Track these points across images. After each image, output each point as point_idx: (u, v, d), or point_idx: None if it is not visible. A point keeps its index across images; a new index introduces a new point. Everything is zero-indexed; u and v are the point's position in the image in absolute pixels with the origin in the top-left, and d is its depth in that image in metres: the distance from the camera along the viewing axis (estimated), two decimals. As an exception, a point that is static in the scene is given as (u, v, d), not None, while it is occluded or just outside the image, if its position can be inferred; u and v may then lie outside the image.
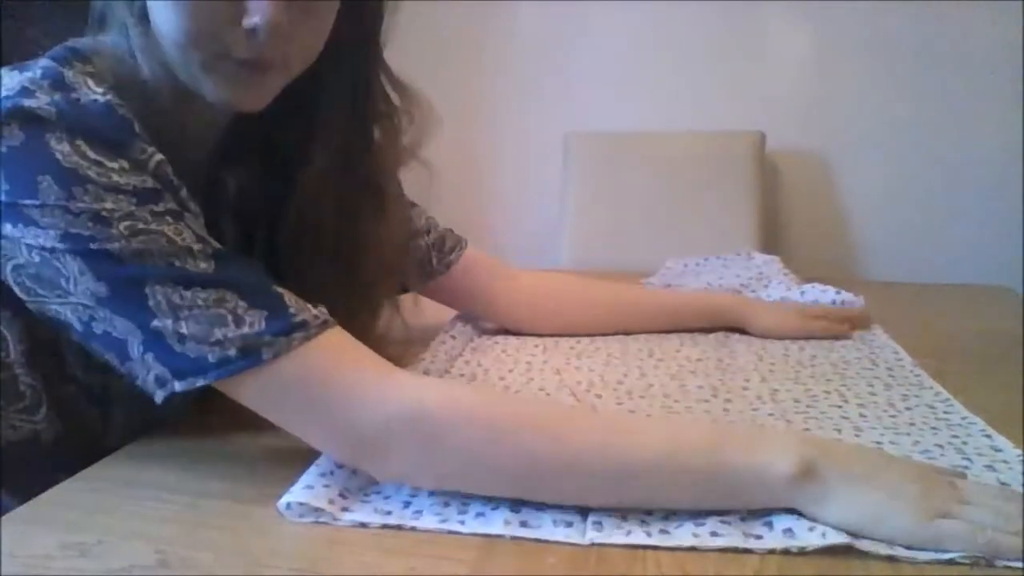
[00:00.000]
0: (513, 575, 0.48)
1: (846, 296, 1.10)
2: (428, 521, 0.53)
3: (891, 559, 0.49)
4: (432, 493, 0.57)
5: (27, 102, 0.55)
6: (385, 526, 0.53)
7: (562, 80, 2.05)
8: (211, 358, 0.55)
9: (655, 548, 0.51)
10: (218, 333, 0.55)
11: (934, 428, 0.70)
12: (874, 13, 1.87)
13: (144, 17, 0.61)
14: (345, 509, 0.54)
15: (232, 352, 0.55)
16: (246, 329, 0.55)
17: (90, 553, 0.50)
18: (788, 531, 0.51)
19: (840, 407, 0.75)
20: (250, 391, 0.57)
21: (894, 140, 1.93)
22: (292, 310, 0.57)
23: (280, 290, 0.58)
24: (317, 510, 0.54)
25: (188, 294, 0.55)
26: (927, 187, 1.92)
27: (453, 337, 0.96)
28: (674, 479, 0.54)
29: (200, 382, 0.55)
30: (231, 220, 0.71)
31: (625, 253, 1.72)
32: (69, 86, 0.57)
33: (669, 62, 2.00)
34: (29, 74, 0.57)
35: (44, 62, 0.59)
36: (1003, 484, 0.59)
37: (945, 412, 0.74)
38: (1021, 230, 1.84)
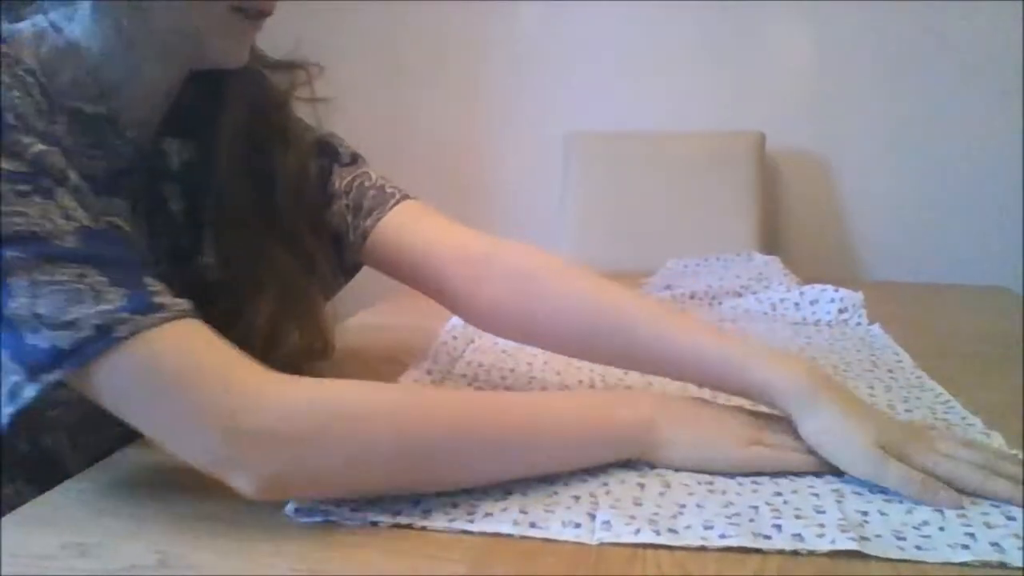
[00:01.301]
0: (513, 575, 0.48)
1: (844, 294, 1.11)
2: (437, 520, 0.53)
3: (892, 560, 0.49)
4: (441, 493, 0.57)
5: None
6: (396, 526, 0.53)
7: (562, 80, 2.05)
8: (65, 343, 0.50)
9: (661, 548, 0.50)
10: (74, 312, 0.51)
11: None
12: (874, 13, 1.87)
13: None
14: (355, 509, 0.54)
15: (86, 333, 0.50)
16: (103, 306, 0.51)
17: (90, 553, 0.50)
18: (797, 535, 0.51)
19: (840, 407, 0.75)
20: (104, 378, 0.51)
21: (894, 140, 1.93)
22: (153, 289, 0.53)
23: (149, 276, 0.55)
24: (326, 511, 0.54)
25: (50, 269, 0.51)
26: (927, 187, 1.92)
27: (455, 337, 0.96)
28: (540, 444, 0.59)
29: (54, 376, 0.50)
30: (179, 193, 0.71)
31: (625, 253, 1.72)
32: None
33: (669, 62, 2.00)
34: None
35: None
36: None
37: (945, 413, 0.74)
38: (1021, 230, 1.84)
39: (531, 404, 0.63)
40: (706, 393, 0.70)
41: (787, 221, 2.01)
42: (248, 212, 0.71)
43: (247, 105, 0.72)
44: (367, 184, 0.79)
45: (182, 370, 0.52)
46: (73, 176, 0.57)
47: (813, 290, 1.13)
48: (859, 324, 1.07)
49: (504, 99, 2.10)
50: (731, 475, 0.60)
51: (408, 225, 0.78)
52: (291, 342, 0.72)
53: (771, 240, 1.89)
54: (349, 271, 0.82)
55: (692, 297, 1.18)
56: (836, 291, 1.11)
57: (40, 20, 0.63)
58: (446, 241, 0.77)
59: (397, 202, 0.79)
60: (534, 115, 2.08)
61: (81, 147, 0.63)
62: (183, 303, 0.54)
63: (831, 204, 1.99)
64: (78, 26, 0.63)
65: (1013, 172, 1.85)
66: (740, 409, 0.66)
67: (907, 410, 0.75)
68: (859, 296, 1.11)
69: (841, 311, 1.10)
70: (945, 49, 1.86)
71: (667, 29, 1.99)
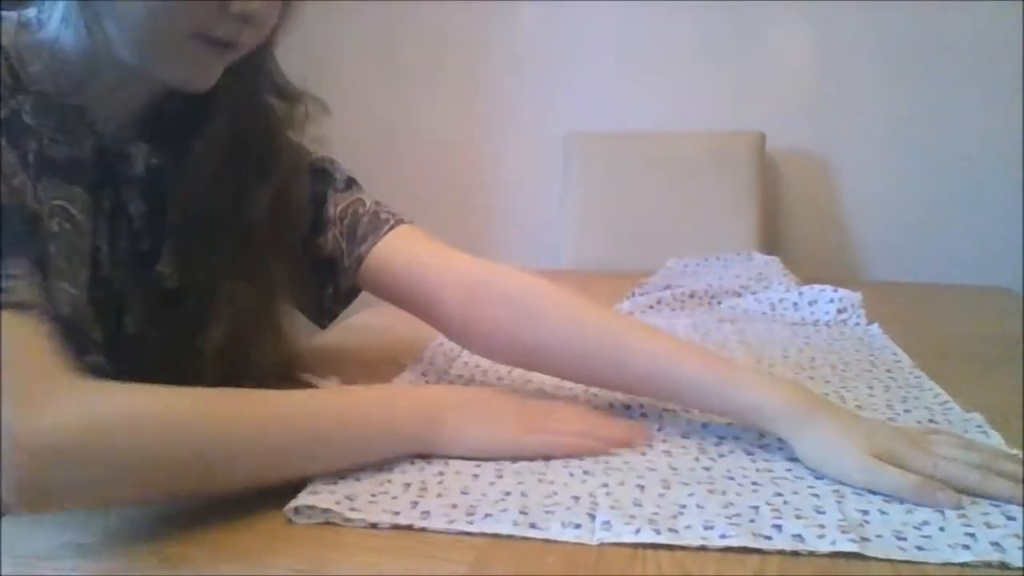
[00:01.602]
0: (513, 575, 0.48)
1: (843, 294, 1.11)
2: (437, 521, 0.53)
3: (892, 560, 0.49)
4: (440, 494, 0.57)
5: None
6: (395, 526, 0.53)
7: (562, 80, 2.05)
8: None
9: (661, 548, 0.50)
10: None
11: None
12: (874, 13, 1.87)
13: None
14: (353, 510, 0.54)
15: None
16: None
17: (90, 553, 0.50)
18: (798, 536, 0.51)
19: (840, 408, 0.75)
20: None
21: (894, 140, 1.93)
22: (9, 273, 0.52)
23: (22, 261, 0.54)
24: (326, 511, 0.54)
25: None
26: (927, 187, 1.92)
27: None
28: (323, 440, 0.59)
29: None
30: (140, 197, 0.71)
31: (625, 253, 1.72)
32: None
33: (669, 62, 2.00)
34: None
35: None
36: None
37: (944, 413, 0.74)
38: (1021, 230, 1.84)
39: (315, 401, 0.63)
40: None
41: (787, 221, 2.01)
42: (212, 233, 0.71)
43: (230, 124, 0.71)
44: (361, 211, 0.79)
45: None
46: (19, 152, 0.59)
47: (812, 290, 1.13)
48: (858, 324, 1.08)
49: (504, 99, 2.10)
50: (514, 460, 0.63)
51: (402, 250, 0.78)
52: (248, 361, 0.72)
53: (771, 240, 1.89)
54: (346, 297, 0.83)
55: (692, 296, 1.18)
56: (835, 291, 1.12)
57: (30, 12, 0.65)
58: (440, 266, 0.77)
59: (391, 227, 0.79)
60: (534, 115, 2.08)
61: (43, 127, 0.64)
62: (24, 296, 0.53)
63: (831, 204, 1.99)
64: (53, 25, 0.64)
65: (1013, 172, 1.85)
66: (526, 397, 0.72)
67: (905, 410, 0.75)
68: (858, 296, 1.11)
69: (840, 311, 1.10)
70: (945, 49, 1.86)
71: (667, 29, 1.99)
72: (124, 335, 0.71)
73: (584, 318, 0.73)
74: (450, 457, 0.63)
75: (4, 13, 0.66)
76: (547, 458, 0.63)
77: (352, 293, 0.83)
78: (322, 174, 0.81)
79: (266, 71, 0.73)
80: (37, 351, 0.52)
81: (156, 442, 0.52)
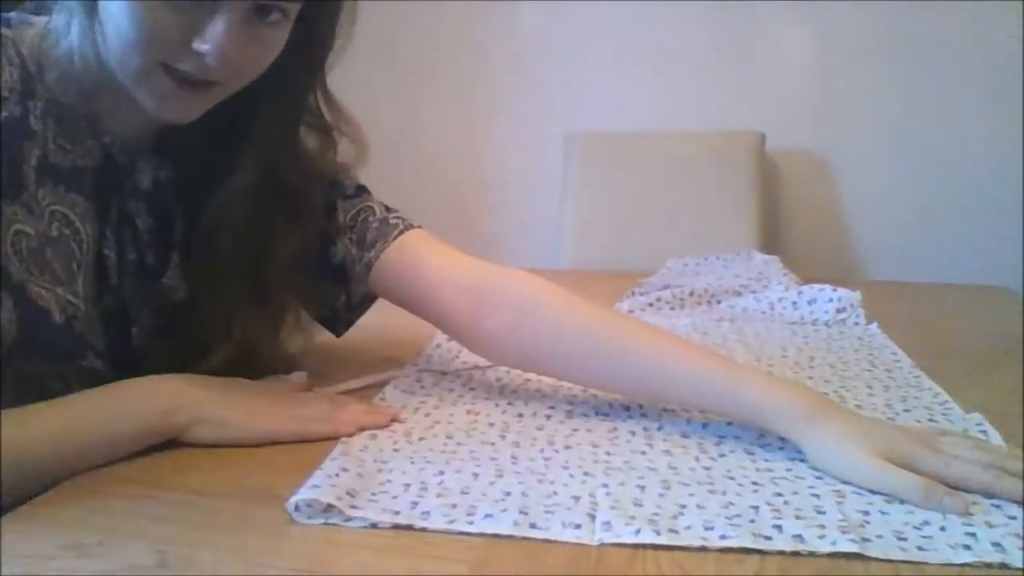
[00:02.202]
0: (513, 575, 0.48)
1: (842, 293, 1.11)
2: (436, 521, 0.53)
3: (894, 562, 0.49)
4: (440, 494, 0.57)
5: None
6: (395, 526, 0.53)
7: (562, 80, 2.05)
8: None
9: (661, 548, 0.50)
10: None
11: (934, 429, 0.70)
12: (874, 13, 1.87)
13: (92, 9, 0.62)
14: (354, 507, 0.54)
15: None
16: None
17: (90, 553, 0.50)
18: (798, 536, 0.51)
19: (840, 407, 0.75)
20: None
21: (894, 140, 1.93)
22: None
23: None
24: (326, 510, 0.54)
25: None
26: (927, 187, 1.92)
27: (449, 339, 0.96)
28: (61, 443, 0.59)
29: None
30: (147, 211, 0.72)
31: (625, 253, 1.72)
32: None
33: (669, 62, 2.00)
34: None
35: None
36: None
37: (943, 413, 0.74)
38: (1021, 230, 1.84)
39: (53, 412, 0.61)
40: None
41: (787, 221, 2.01)
42: (231, 268, 0.72)
43: (260, 165, 0.71)
44: (371, 218, 0.80)
45: None
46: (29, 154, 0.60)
47: (811, 290, 1.13)
48: (857, 324, 1.08)
49: (504, 99, 2.10)
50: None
51: (410, 255, 0.79)
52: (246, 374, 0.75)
53: (771, 240, 1.89)
54: (360, 305, 0.83)
55: (692, 296, 1.18)
56: (834, 291, 1.12)
57: (57, 19, 0.65)
58: (447, 271, 0.78)
59: (400, 232, 0.79)
60: (534, 115, 2.08)
61: (50, 133, 0.65)
62: None
63: (831, 204, 1.99)
64: (74, 36, 0.64)
65: (1013, 172, 1.85)
66: (277, 385, 0.73)
67: (905, 409, 0.75)
68: (856, 296, 1.11)
69: (839, 311, 1.10)
70: (945, 49, 1.86)
71: (667, 29, 1.99)
72: (131, 345, 0.72)
73: (588, 321, 0.73)
74: (199, 444, 0.64)
75: (28, 16, 0.67)
76: (301, 441, 0.66)
77: (366, 301, 0.83)
78: (334, 184, 0.81)
79: (303, 106, 0.73)
80: None
81: None
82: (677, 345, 0.71)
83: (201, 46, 0.59)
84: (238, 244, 0.72)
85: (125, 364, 0.69)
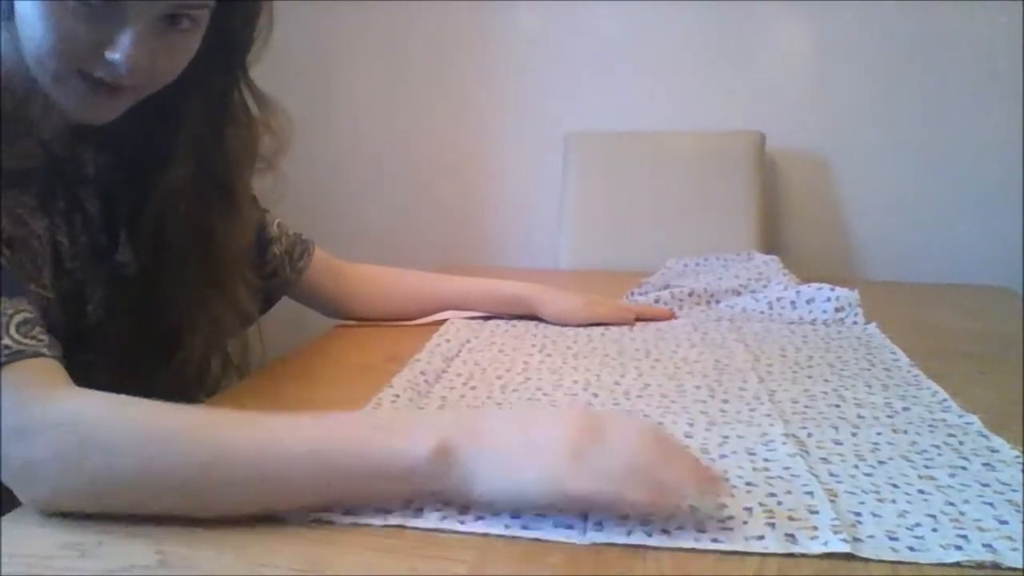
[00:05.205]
0: (513, 575, 0.49)
1: (840, 292, 1.11)
2: (429, 521, 0.53)
3: (892, 562, 0.49)
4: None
5: None
6: (387, 526, 0.53)
7: (562, 80, 2.05)
8: None
9: (662, 548, 0.51)
10: None
11: (931, 428, 0.70)
12: (874, 13, 1.87)
13: (10, 14, 0.63)
14: (347, 511, 0.54)
15: None
16: None
17: (90, 553, 0.50)
18: (790, 536, 0.51)
19: (838, 407, 0.76)
20: None
21: (894, 140, 1.93)
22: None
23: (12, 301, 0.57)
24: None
25: None
26: (927, 187, 1.92)
27: (448, 340, 0.96)
28: (323, 475, 0.53)
29: None
30: (95, 195, 0.74)
31: (625, 253, 1.72)
32: None
33: (669, 62, 2.00)
34: None
35: None
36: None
37: (943, 412, 0.74)
38: (1021, 230, 1.84)
39: (303, 432, 0.55)
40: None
41: (787, 221, 2.01)
42: (178, 251, 0.76)
43: (193, 157, 0.74)
44: (289, 231, 0.97)
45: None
46: None
47: (810, 289, 1.13)
48: (855, 323, 1.08)
49: (504, 99, 2.10)
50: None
51: (322, 264, 1.01)
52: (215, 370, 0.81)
53: (771, 240, 1.89)
54: (268, 303, 0.95)
55: (691, 295, 1.18)
56: (832, 290, 1.12)
57: None
58: (335, 269, 1.04)
59: (311, 245, 1.00)
60: (534, 115, 2.08)
61: None
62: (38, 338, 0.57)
63: (831, 204, 1.99)
64: (3, 44, 0.65)
65: (1013, 172, 1.85)
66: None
67: (904, 408, 0.75)
68: (855, 295, 1.11)
69: (838, 310, 1.10)
70: (945, 49, 1.86)
71: (667, 29, 1.99)
72: (87, 324, 0.73)
73: (404, 272, 1.11)
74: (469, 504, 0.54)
75: None
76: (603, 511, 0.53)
77: (275, 300, 0.97)
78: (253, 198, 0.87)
79: (227, 105, 0.75)
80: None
81: (124, 462, 0.52)
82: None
83: (112, 55, 0.61)
84: (183, 231, 0.75)
85: (81, 346, 0.69)
